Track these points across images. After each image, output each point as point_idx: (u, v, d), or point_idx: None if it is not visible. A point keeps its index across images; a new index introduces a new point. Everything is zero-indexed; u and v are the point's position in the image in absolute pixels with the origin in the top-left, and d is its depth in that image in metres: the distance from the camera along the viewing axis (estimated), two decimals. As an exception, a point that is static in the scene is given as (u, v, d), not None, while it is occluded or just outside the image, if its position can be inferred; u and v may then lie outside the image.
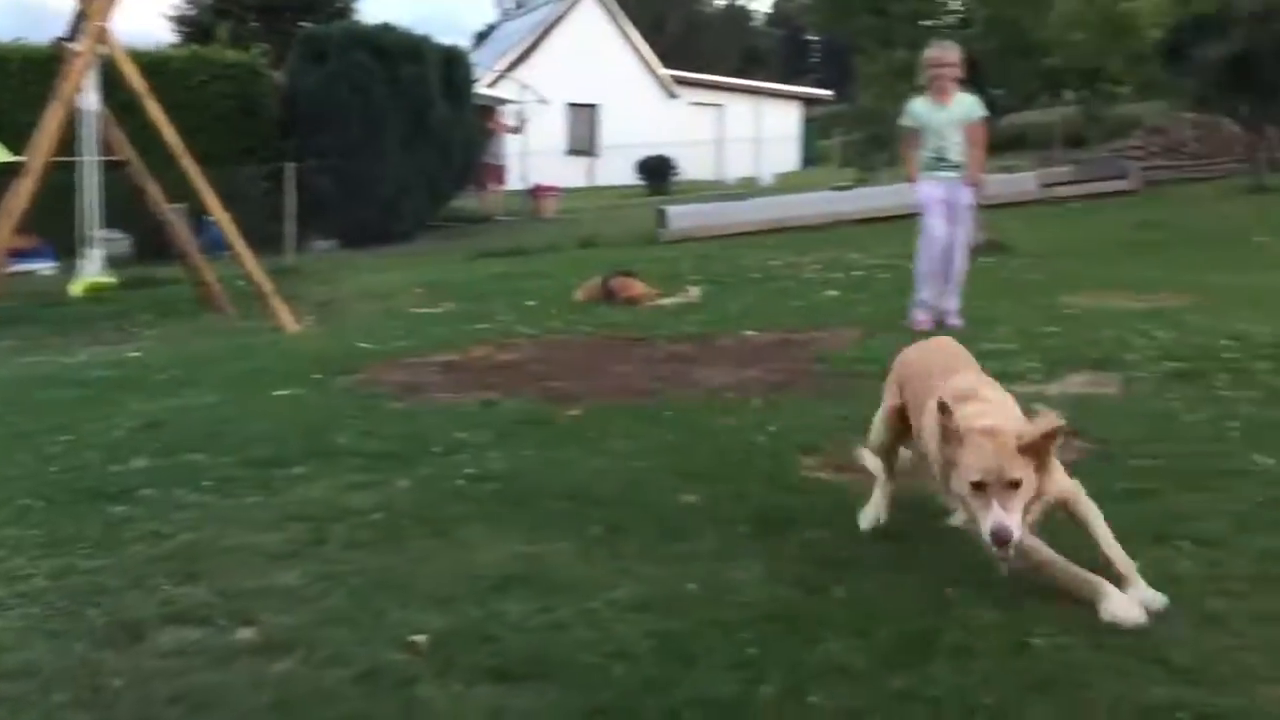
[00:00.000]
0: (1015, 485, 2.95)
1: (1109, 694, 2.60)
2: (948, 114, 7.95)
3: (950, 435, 3.08)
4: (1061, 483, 3.17)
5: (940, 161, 7.98)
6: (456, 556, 3.70)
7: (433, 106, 19.67)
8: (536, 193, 23.63)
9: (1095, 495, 4.01)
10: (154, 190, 11.48)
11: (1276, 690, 2.58)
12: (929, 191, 8.03)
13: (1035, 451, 2.99)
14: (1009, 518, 2.91)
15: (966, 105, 8.03)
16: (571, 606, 3.23)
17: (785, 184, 27.93)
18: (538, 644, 2.99)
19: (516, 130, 23.66)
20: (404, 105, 19.14)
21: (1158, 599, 3.00)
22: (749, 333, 8.12)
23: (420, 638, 3.05)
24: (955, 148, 7.95)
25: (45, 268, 14.75)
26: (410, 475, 4.65)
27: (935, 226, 8.05)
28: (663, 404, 5.84)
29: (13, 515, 4.32)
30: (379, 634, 3.11)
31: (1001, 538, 2.90)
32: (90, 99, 10.84)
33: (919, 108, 8.04)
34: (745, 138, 34.32)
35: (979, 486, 2.96)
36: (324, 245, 18.41)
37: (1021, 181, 19.75)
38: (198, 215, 12.57)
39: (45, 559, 3.80)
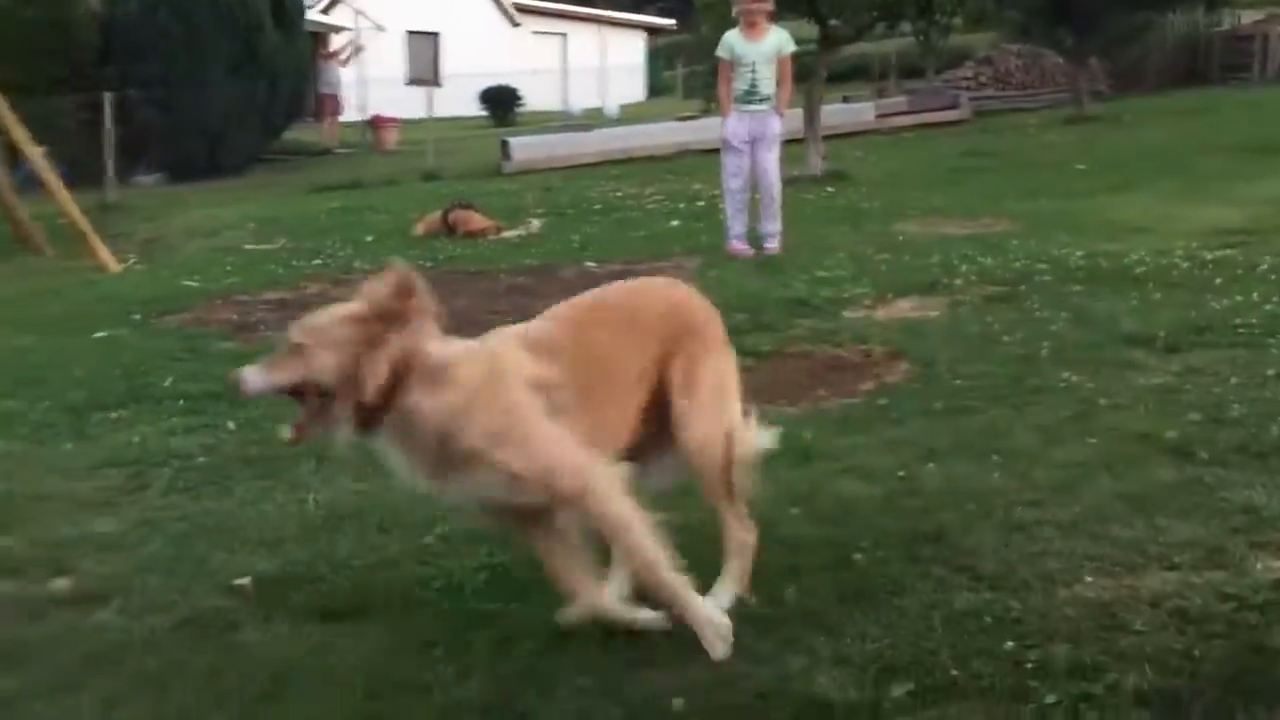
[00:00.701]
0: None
1: (921, 602, 2.72)
2: (759, 48, 8.11)
3: None
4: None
5: (751, 94, 8.17)
6: (285, 498, 3.63)
7: (261, 33, 18.84)
8: (375, 124, 22.92)
9: (917, 414, 4.19)
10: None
11: (1071, 592, 2.74)
12: (732, 127, 8.23)
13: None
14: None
15: (778, 40, 8.18)
16: (403, 543, 3.21)
17: (631, 115, 27.83)
18: (367, 581, 2.96)
19: (345, 63, 22.83)
20: (230, 32, 18.29)
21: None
22: (590, 264, 8.11)
23: (245, 581, 2.99)
24: (766, 81, 8.15)
25: None
26: (238, 417, 4.52)
27: (730, 163, 8.31)
28: (501, 337, 5.79)
29: None
30: (200, 580, 3.03)
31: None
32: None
33: (733, 39, 8.14)
34: (590, 68, 33.98)
35: None
36: (149, 180, 17.55)
37: (860, 111, 20.13)
38: (12, 149, 11.80)
39: None
